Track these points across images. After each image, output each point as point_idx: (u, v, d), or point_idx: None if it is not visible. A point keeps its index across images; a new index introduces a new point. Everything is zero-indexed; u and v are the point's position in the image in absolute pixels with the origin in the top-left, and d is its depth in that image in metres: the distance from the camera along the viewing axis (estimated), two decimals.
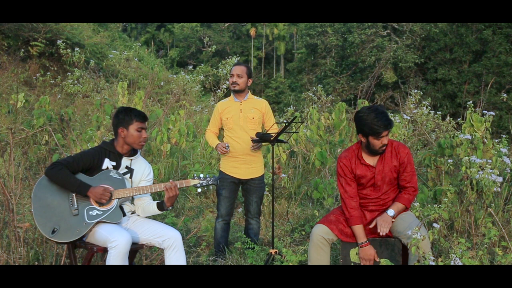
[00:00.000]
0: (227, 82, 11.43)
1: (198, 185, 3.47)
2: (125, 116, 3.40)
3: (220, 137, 4.54)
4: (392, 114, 9.29)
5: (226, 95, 11.75)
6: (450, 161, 5.32)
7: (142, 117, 3.43)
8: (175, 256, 3.32)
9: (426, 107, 8.21)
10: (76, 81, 10.82)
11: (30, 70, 11.51)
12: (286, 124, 4.10)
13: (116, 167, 3.42)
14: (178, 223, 5.07)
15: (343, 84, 24.68)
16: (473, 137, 5.43)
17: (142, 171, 3.54)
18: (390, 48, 22.84)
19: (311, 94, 10.37)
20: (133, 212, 3.56)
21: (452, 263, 3.02)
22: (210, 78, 12.74)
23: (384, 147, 3.36)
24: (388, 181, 3.46)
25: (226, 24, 43.82)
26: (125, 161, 3.47)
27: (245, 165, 4.32)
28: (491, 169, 4.26)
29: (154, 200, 3.59)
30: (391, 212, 3.38)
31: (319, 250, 3.43)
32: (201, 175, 3.50)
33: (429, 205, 3.71)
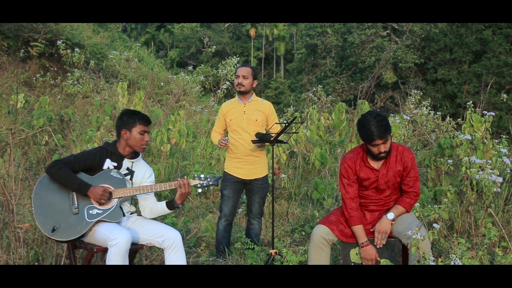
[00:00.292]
0: (227, 83, 11.46)
1: (199, 185, 3.47)
2: (128, 118, 3.41)
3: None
4: (392, 115, 9.28)
5: (226, 95, 11.77)
6: (450, 161, 5.32)
7: (145, 120, 3.44)
8: (175, 256, 3.32)
9: (426, 108, 8.20)
10: (76, 82, 10.82)
11: (30, 70, 11.51)
12: (286, 124, 4.10)
13: (117, 168, 3.42)
14: (178, 223, 5.07)
15: (343, 85, 24.68)
16: (473, 137, 5.43)
17: (143, 173, 3.54)
18: (390, 49, 22.85)
19: (311, 94, 10.37)
20: (132, 213, 3.56)
21: (452, 264, 3.02)
22: (210, 78, 12.74)
23: (382, 154, 3.34)
24: (391, 185, 3.46)
25: (226, 25, 43.83)
26: (126, 163, 3.47)
27: (248, 165, 4.33)
28: (491, 169, 4.25)
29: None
30: (391, 215, 3.38)
31: (319, 251, 3.43)
32: (202, 176, 3.50)
33: (429, 206, 3.71)
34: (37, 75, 11.30)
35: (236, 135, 4.31)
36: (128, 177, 3.47)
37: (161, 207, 3.49)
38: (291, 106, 11.47)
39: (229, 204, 4.38)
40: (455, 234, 4.07)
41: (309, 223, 5.30)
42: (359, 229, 3.39)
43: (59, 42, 11.30)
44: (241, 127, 4.30)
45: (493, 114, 5.72)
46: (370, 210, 3.50)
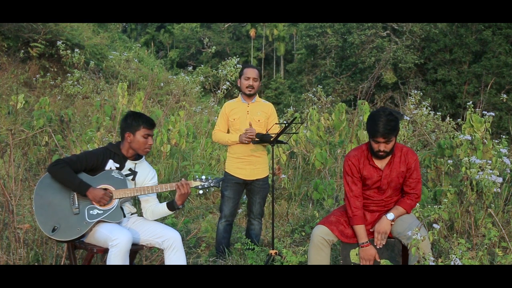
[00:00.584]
0: (227, 83, 11.46)
1: (200, 187, 3.47)
2: (133, 121, 3.41)
3: None
4: None
5: (226, 96, 11.77)
6: (450, 161, 5.32)
7: (150, 124, 3.43)
8: (175, 256, 3.32)
9: (426, 108, 8.20)
10: (76, 82, 10.82)
11: (30, 71, 11.51)
12: (286, 125, 4.11)
13: (119, 169, 3.42)
14: (178, 224, 5.07)
15: (343, 85, 24.67)
16: (473, 137, 5.43)
17: (145, 174, 3.54)
18: (389, 49, 22.84)
19: (311, 95, 10.37)
20: (133, 213, 3.56)
21: (452, 264, 3.02)
22: (210, 79, 12.74)
23: (381, 153, 3.34)
24: (394, 185, 3.45)
25: (226, 25, 43.83)
26: (129, 164, 3.47)
27: (250, 166, 4.33)
28: (491, 169, 4.26)
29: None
30: (390, 216, 3.38)
31: (319, 251, 3.43)
32: (203, 177, 3.49)
33: (429, 206, 3.71)
34: (37, 75, 11.30)
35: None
36: (131, 177, 3.47)
37: (162, 209, 3.49)
38: (291, 107, 11.48)
39: (230, 204, 4.38)
40: (455, 235, 4.07)
41: (309, 224, 5.30)
42: (360, 229, 3.39)
43: (59, 43, 11.30)
44: (244, 127, 4.30)
45: (493, 114, 5.72)
46: (370, 211, 3.50)
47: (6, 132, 7.40)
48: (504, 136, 5.61)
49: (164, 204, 3.49)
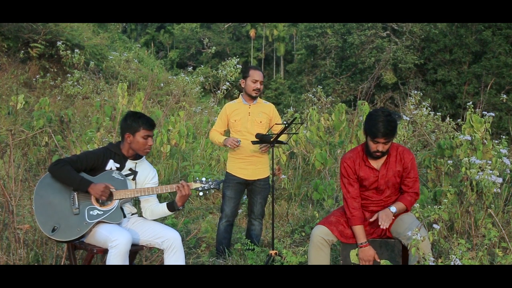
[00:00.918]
0: (227, 83, 11.46)
1: (200, 188, 3.47)
2: (133, 122, 3.40)
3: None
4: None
5: (226, 96, 11.76)
6: (450, 162, 5.32)
7: (149, 125, 3.43)
8: (174, 257, 3.32)
9: (426, 108, 8.20)
10: (76, 83, 10.82)
11: (30, 71, 11.51)
12: (286, 125, 4.11)
13: (120, 169, 3.42)
14: (178, 224, 5.07)
15: (342, 85, 24.68)
16: (473, 138, 5.43)
17: (146, 174, 3.54)
18: (389, 49, 22.85)
19: (311, 95, 10.37)
20: (133, 214, 3.56)
21: (452, 264, 3.02)
22: (210, 79, 12.74)
23: (378, 154, 3.35)
24: (391, 185, 3.46)
25: (226, 25, 43.84)
26: (129, 164, 3.48)
27: (252, 166, 4.33)
28: (491, 170, 4.26)
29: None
30: (393, 208, 3.38)
31: (319, 251, 3.43)
32: (203, 179, 3.49)
33: (429, 206, 3.71)
34: (37, 76, 11.30)
35: (240, 136, 4.32)
36: (131, 177, 3.47)
37: (162, 209, 3.50)
38: (291, 107, 11.48)
39: (231, 204, 4.38)
40: (455, 235, 4.07)
41: (309, 224, 5.30)
42: (359, 229, 3.39)
43: (59, 43, 11.30)
44: (245, 128, 4.31)
45: (493, 114, 5.72)
46: (370, 211, 3.50)
47: (6, 133, 7.40)
48: (504, 137, 5.61)
49: (164, 204, 3.50)
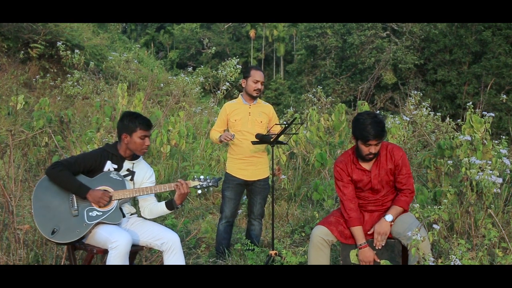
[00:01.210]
0: (227, 84, 11.46)
1: (198, 186, 3.47)
2: (129, 122, 3.40)
3: None
4: (392, 116, 9.28)
5: (226, 96, 11.76)
6: (450, 162, 5.31)
7: (146, 125, 3.43)
8: (174, 258, 3.32)
9: (426, 108, 8.20)
10: (75, 83, 10.82)
11: (29, 72, 11.50)
12: (286, 125, 4.11)
13: (118, 170, 3.42)
14: (178, 224, 5.07)
15: (342, 86, 24.69)
16: (473, 138, 5.43)
17: (143, 173, 3.54)
18: (389, 50, 22.86)
19: (310, 95, 10.37)
20: (133, 214, 3.56)
21: (452, 264, 3.02)
22: (210, 79, 12.74)
23: (371, 155, 3.36)
24: (386, 184, 3.46)
25: (226, 26, 43.86)
26: (126, 164, 3.47)
27: (251, 166, 4.33)
28: (491, 170, 4.25)
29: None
30: (389, 217, 3.38)
31: (318, 252, 3.43)
32: (201, 177, 3.51)
33: (429, 206, 3.71)
34: (37, 76, 11.30)
35: (240, 136, 4.31)
36: (129, 177, 3.47)
37: (161, 208, 3.50)
38: (291, 107, 11.47)
39: (231, 205, 4.38)
40: (455, 235, 4.07)
41: (309, 224, 5.30)
42: (357, 230, 3.39)
43: (59, 44, 11.30)
44: (245, 128, 4.30)
45: (493, 115, 5.71)
46: (369, 211, 3.51)
47: (6, 133, 7.40)
48: (504, 137, 5.61)
49: (163, 203, 3.50)
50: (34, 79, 11.23)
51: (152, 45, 35.06)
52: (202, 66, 18.22)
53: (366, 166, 3.45)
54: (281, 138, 4.25)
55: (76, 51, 11.45)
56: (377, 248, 3.36)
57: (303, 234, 5.10)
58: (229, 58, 12.13)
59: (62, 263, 3.76)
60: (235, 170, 4.36)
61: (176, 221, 5.23)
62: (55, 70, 11.94)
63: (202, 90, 13.48)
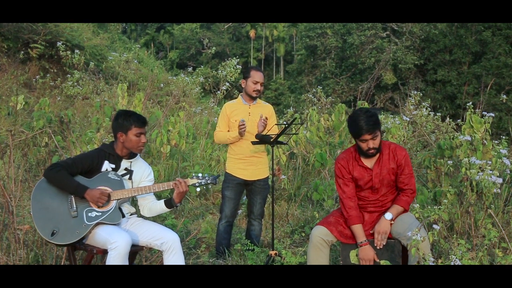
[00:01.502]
0: (227, 84, 11.45)
1: (197, 184, 3.47)
2: (124, 121, 3.40)
3: None
4: (392, 116, 9.28)
5: (226, 96, 11.76)
6: (450, 162, 5.31)
7: (141, 122, 3.42)
8: (174, 258, 3.32)
9: (426, 109, 8.20)
10: (75, 83, 10.81)
11: (29, 72, 11.50)
12: (286, 125, 4.11)
13: (115, 170, 3.42)
14: (178, 224, 5.07)
15: (342, 86, 24.70)
16: (473, 138, 5.43)
17: (142, 172, 3.54)
18: (389, 50, 22.86)
19: (310, 95, 10.37)
20: (132, 214, 3.56)
21: (452, 264, 3.02)
22: (210, 80, 12.73)
23: (372, 151, 3.35)
24: (386, 183, 3.46)
25: (226, 26, 43.86)
26: (124, 163, 3.47)
27: (251, 166, 4.33)
28: (491, 170, 4.25)
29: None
30: (389, 216, 3.38)
31: (318, 252, 3.43)
32: (200, 175, 3.50)
33: (429, 206, 3.70)
34: (37, 76, 11.29)
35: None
36: (127, 176, 3.47)
37: (160, 206, 3.50)
38: (291, 107, 11.48)
39: (230, 205, 4.38)
40: (455, 235, 4.06)
41: (309, 224, 5.30)
42: (358, 229, 3.39)
43: (59, 44, 11.29)
44: (245, 128, 4.30)
45: (493, 115, 5.72)
46: (369, 212, 3.50)
47: (6, 133, 7.40)
48: (504, 137, 5.60)
49: (162, 201, 3.51)
50: (34, 79, 11.22)
51: (152, 45, 35.04)
52: (202, 66, 18.22)
53: (368, 164, 3.44)
54: (281, 138, 4.25)
55: (76, 51, 11.44)
56: (377, 247, 3.36)
57: (303, 234, 5.10)
58: (229, 58, 12.13)
59: (62, 264, 3.76)
60: (234, 170, 4.36)
61: (176, 221, 5.23)
62: (55, 70, 11.93)
63: (202, 90, 13.48)
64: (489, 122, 5.70)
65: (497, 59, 20.67)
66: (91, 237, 3.28)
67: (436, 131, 7.89)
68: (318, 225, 3.51)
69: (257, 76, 4.31)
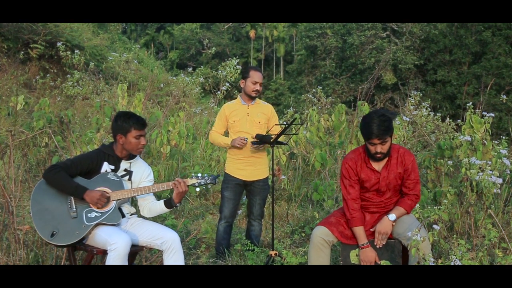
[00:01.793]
0: (227, 84, 11.45)
1: (196, 184, 3.47)
2: (123, 123, 3.39)
3: None
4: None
5: (226, 97, 11.76)
6: (450, 162, 5.31)
7: (140, 124, 3.41)
8: (174, 258, 3.32)
9: (426, 109, 8.20)
10: (75, 83, 10.81)
11: (29, 72, 11.50)
12: (286, 126, 4.11)
13: (115, 171, 3.42)
14: (178, 225, 5.07)
15: (342, 86, 24.69)
16: (473, 138, 5.43)
17: (141, 172, 3.54)
18: (389, 50, 22.85)
19: (310, 95, 10.36)
20: (132, 214, 3.56)
21: (452, 265, 3.02)
22: (210, 80, 12.73)
23: (379, 155, 3.34)
24: (392, 187, 3.45)
25: (226, 26, 43.86)
26: (124, 164, 3.47)
27: (250, 166, 4.33)
28: (491, 170, 4.25)
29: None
30: (392, 216, 3.37)
31: (319, 252, 3.43)
32: (199, 175, 3.50)
33: (429, 207, 3.70)
34: (37, 76, 11.30)
35: (239, 136, 4.32)
36: (127, 177, 3.47)
37: (160, 206, 3.51)
38: (291, 108, 11.46)
39: (230, 205, 4.38)
40: (455, 235, 4.06)
41: (309, 225, 5.30)
42: (360, 231, 3.39)
43: (59, 44, 11.29)
44: (244, 129, 4.31)
45: (493, 115, 5.72)
46: (371, 212, 3.50)
47: (6, 133, 7.40)
48: (504, 137, 5.60)
49: (162, 201, 3.51)
50: (34, 80, 11.22)
51: (152, 45, 35.04)
52: (202, 67, 18.20)
53: (376, 166, 3.44)
54: (281, 138, 4.25)
55: (76, 51, 11.44)
56: (377, 247, 3.36)
57: (303, 235, 5.10)
58: (229, 59, 12.12)
59: (62, 264, 3.76)
60: (233, 170, 4.37)
61: (176, 221, 5.23)
62: (55, 71, 11.93)
63: (202, 90, 13.47)
64: (489, 122, 5.70)
65: (497, 59, 20.67)
66: (91, 237, 3.27)
67: (436, 131, 7.89)
68: (319, 225, 3.51)
69: (256, 76, 4.31)
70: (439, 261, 3.17)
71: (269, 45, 47.31)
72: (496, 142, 5.42)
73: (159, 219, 5.19)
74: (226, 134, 4.53)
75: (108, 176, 3.36)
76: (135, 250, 3.37)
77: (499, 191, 4.28)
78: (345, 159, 3.52)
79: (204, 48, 36.23)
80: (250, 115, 4.34)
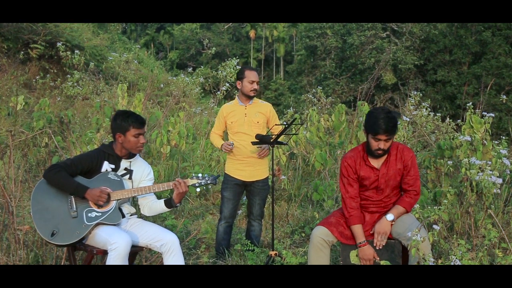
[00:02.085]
0: (227, 84, 11.46)
1: (197, 184, 3.47)
2: (122, 122, 3.39)
3: (225, 139, 4.55)
4: None
5: (226, 97, 11.76)
6: (450, 162, 5.31)
7: (139, 123, 3.41)
8: (173, 259, 3.32)
9: (426, 109, 8.19)
10: (75, 84, 10.81)
11: (29, 72, 11.50)
12: (286, 126, 4.11)
13: (115, 170, 3.42)
14: (178, 225, 5.07)
15: (342, 86, 24.69)
16: (473, 138, 5.43)
17: (141, 171, 3.54)
18: (389, 50, 22.86)
19: (310, 96, 10.36)
20: (132, 214, 3.56)
21: (452, 265, 3.02)
22: (210, 80, 12.73)
23: (380, 151, 3.34)
24: (391, 184, 3.45)
25: (226, 26, 43.86)
26: (124, 163, 3.47)
27: (250, 167, 4.33)
28: (490, 170, 4.25)
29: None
30: (390, 216, 3.37)
31: (319, 252, 3.43)
32: (199, 175, 3.50)
33: (429, 207, 3.70)
34: (37, 77, 11.29)
35: (238, 138, 4.32)
36: (127, 176, 3.47)
37: (160, 206, 3.51)
38: (291, 108, 11.47)
39: (230, 206, 4.38)
40: (455, 236, 4.06)
41: (309, 225, 5.30)
42: (358, 229, 3.39)
43: (59, 44, 11.29)
44: (242, 130, 4.31)
45: (493, 115, 5.72)
46: (370, 212, 3.50)
47: (6, 134, 7.40)
48: (504, 137, 5.60)
49: (162, 201, 3.51)
50: (34, 80, 11.22)
51: (152, 45, 35.03)
52: (202, 67, 18.19)
53: (375, 164, 3.44)
54: (281, 138, 4.25)
55: (76, 51, 11.44)
56: (377, 248, 3.36)
57: (303, 235, 5.10)
58: (229, 59, 12.13)
59: (62, 264, 3.76)
60: (233, 171, 4.37)
61: (176, 221, 5.22)
62: (55, 71, 11.93)
63: (202, 90, 13.47)
64: (489, 123, 5.70)
65: (497, 59, 20.67)
66: (91, 237, 3.28)
67: (436, 131, 7.89)
68: (318, 225, 3.51)
69: (252, 75, 4.32)
70: (439, 261, 3.17)
71: (269, 45, 47.32)
72: (496, 142, 5.41)
73: (159, 219, 5.19)
74: (226, 134, 4.54)
75: (109, 176, 3.36)
76: (135, 250, 3.37)
77: (499, 191, 4.28)
78: (344, 158, 3.53)
79: (204, 48, 36.24)
80: (248, 116, 4.34)
